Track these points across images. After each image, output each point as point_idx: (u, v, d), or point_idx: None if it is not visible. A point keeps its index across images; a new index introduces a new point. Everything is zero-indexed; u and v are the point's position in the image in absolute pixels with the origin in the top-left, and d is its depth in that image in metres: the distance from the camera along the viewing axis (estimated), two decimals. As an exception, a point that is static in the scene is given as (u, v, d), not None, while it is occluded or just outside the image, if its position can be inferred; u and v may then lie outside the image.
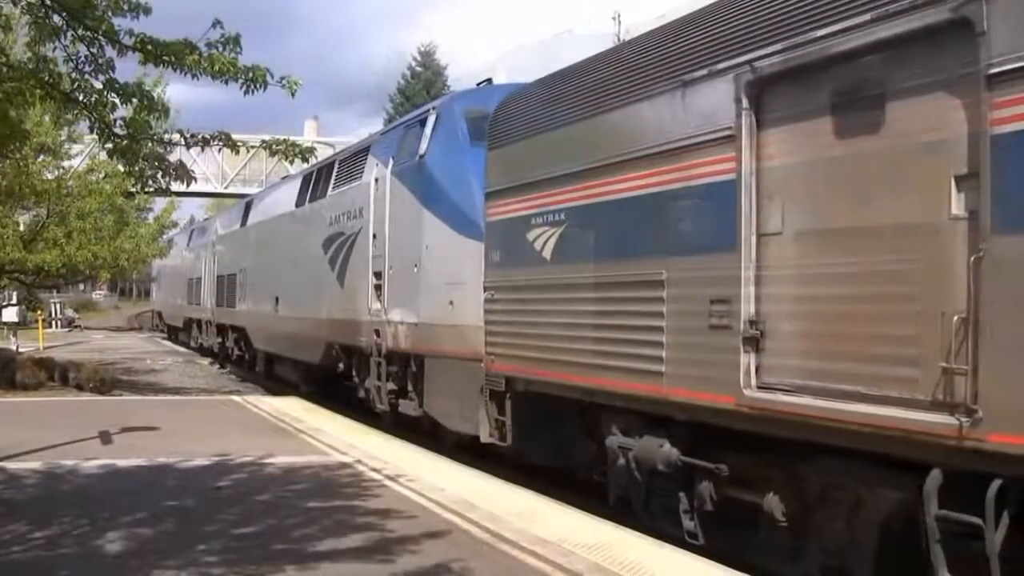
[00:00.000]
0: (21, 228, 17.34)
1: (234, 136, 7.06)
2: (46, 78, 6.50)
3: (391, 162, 12.26)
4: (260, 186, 35.11)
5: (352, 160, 14.31)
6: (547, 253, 8.25)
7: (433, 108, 11.62)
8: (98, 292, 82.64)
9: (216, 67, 6.20)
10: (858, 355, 5.36)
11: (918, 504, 4.96)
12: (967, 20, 4.66)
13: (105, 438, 10.95)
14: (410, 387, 11.56)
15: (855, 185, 5.45)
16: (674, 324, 6.65)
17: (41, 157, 16.41)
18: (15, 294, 27.59)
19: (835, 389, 5.44)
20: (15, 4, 6.57)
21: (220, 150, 7.34)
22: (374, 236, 12.55)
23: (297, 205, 16.95)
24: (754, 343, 6.03)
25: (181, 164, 7.01)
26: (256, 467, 9.36)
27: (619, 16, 61.04)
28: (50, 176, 16.71)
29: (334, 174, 14.93)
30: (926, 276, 4.93)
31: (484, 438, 9.50)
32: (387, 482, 8.66)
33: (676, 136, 6.66)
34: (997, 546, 4.59)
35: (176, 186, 7.40)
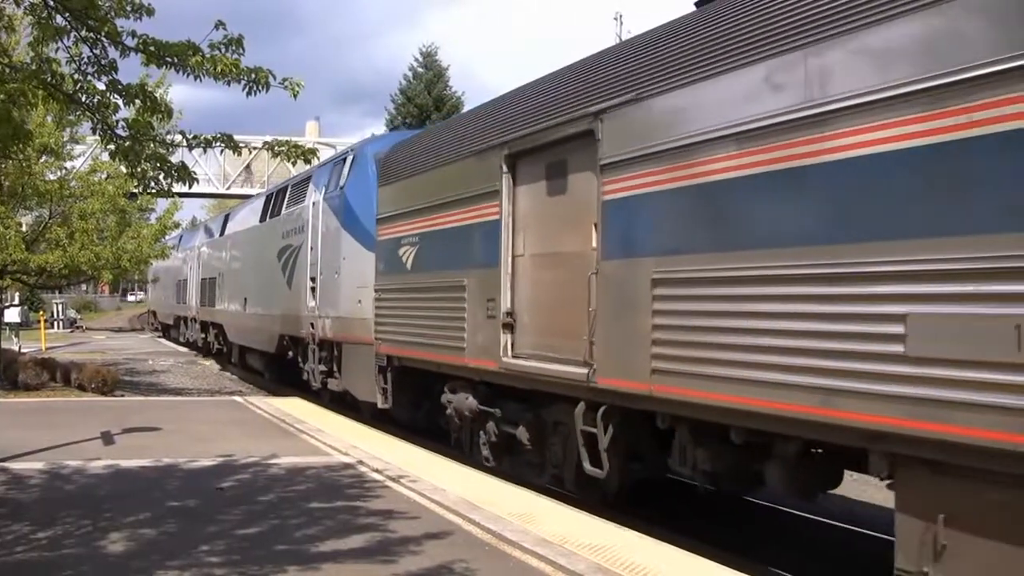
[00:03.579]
0: (24, 229, 17.51)
1: (236, 137, 7.21)
2: (49, 79, 6.54)
3: (324, 190, 15.91)
4: (262, 187, 38.15)
5: (300, 186, 18.03)
6: (408, 264, 11.87)
7: (351, 150, 15.28)
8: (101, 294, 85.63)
9: (219, 68, 6.29)
10: (555, 333, 8.88)
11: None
12: (592, 131, 8.19)
13: (108, 439, 11.28)
14: (335, 368, 15.11)
15: (556, 225, 8.98)
16: (470, 315, 10.20)
17: (44, 158, 16.68)
18: (17, 295, 28.57)
19: (545, 355, 8.96)
20: (18, 5, 6.71)
21: (222, 151, 7.37)
22: (312, 248, 16.21)
23: (260, 220, 20.82)
24: (509, 327, 9.57)
25: (183, 165, 7.07)
26: (258, 468, 9.64)
27: (620, 16, 64.15)
28: (53, 177, 17.04)
29: (287, 196, 18.76)
30: (583, 285, 8.39)
31: (380, 405, 13.05)
32: (389, 483, 8.98)
33: (473, 188, 10.21)
34: (605, 444, 8.11)
35: (178, 187, 7.48)
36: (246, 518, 7.46)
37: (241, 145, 7.33)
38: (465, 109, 28.32)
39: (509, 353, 9.54)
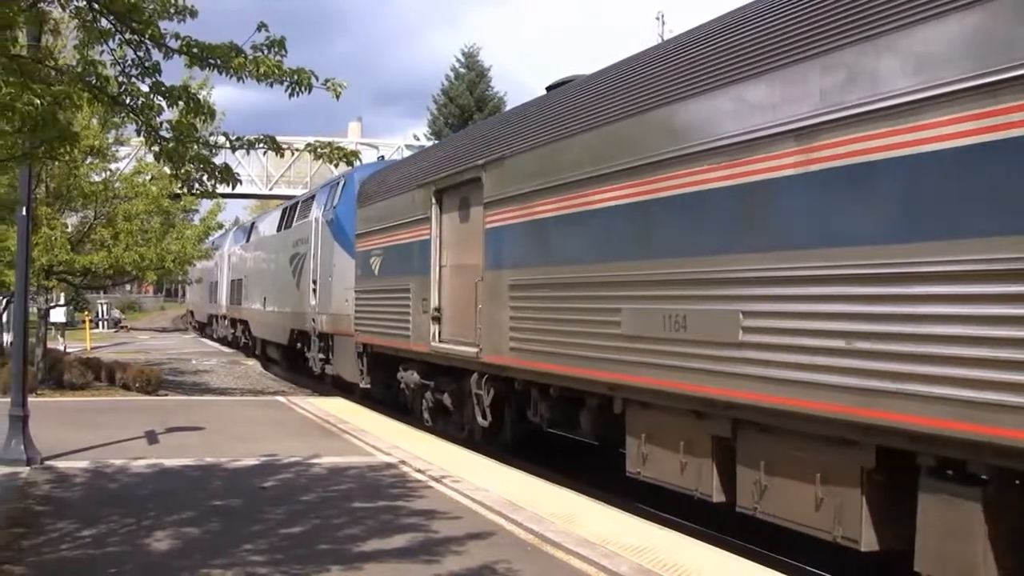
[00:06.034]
0: (69, 230, 18.39)
1: (278, 138, 7.43)
2: (94, 82, 6.80)
3: (323, 208, 20.18)
4: (304, 187, 41.58)
5: (307, 202, 22.47)
6: (376, 271, 15.96)
7: (343, 176, 19.50)
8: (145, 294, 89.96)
9: (261, 70, 6.51)
10: (463, 324, 12.83)
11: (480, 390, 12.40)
12: (479, 177, 12.12)
13: (151, 438, 11.91)
14: (330, 356, 19.30)
15: (463, 244, 12.92)
16: (413, 311, 14.21)
17: (89, 160, 17.65)
18: (63, 295, 29.66)
19: (457, 340, 12.91)
20: (64, 8, 6.97)
21: (265, 153, 7.53)
22: (313, 256, 20.52)
23: (278, 230, 25.40)
24: (437, 320, 13.54)
25: (226, 167, 7.30)
26: (301, 467, 10.15)
27: (662, 16, 67.30)
28: (98, 178, 18.12)
29: (298, 210, 23.21)
30: (475, 288, 12.27)
31: (361, 385, 17.14)
32: (431, 483, 9.43)
33: (416, 214, 14.21)
34: (488, 402, 12.03)
35: (221, 188, 7.71)
36: (288, 517, 7.90)
37: (283, 146, 7.56)
38: (507, 109, 31.59)
39: (437, 339, 13.52)
